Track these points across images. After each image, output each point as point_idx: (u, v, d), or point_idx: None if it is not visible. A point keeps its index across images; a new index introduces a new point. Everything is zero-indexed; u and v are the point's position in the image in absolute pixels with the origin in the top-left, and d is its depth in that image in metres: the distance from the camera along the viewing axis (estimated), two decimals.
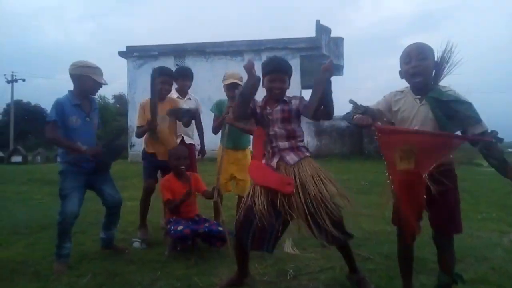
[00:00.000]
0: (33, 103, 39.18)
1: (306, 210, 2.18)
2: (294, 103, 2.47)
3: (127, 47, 15.04)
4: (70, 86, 3.05)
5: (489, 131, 2.01)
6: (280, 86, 2.46)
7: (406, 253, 2.28)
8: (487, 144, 1.98)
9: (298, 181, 2.26)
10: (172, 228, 3.15)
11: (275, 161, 2.39)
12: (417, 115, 2.11)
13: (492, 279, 2.56)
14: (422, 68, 2.08)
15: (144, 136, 3.71)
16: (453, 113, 2.02)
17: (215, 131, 3.72)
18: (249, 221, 2.28)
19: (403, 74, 2.19)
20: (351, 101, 2.24)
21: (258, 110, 2.50)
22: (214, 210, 3.80)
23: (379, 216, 4.37)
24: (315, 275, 2.69)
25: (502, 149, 2.04)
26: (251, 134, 3.57)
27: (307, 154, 2.43)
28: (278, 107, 2.46)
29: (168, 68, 3.81)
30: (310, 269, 2.79)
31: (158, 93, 3.58)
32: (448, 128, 2.03)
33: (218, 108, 3.79)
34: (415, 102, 2.13)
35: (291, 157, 2.37)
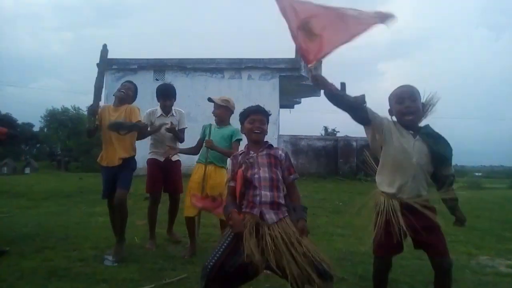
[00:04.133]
0: (3, 111, 37.88)
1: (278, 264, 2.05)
2: (280, 156, 2.39)
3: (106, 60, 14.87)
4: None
5: (452, 175, 2.31)
6: (260, 126, 2.42)
7: (382, 277, 2.38)
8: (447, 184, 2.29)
9: (273, 241, 2.09)
10: None
11: (255, 212, 2.24)
12: (414, 148, 2.26)
13: None
14: (414, 109, 2.28)
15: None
16: (436, 150, 2.25)
17: (195, 153, 3.82)
18: (228, 264, 2.14)
19: (393, 112, 2.35)
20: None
21: (239, 159, 2.40)
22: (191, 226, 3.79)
23: (353, 236, 4.46)
24: None
25: (456, 197, 2.34)
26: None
27: (286, 214, 2.27)
28: (264, 152, 2.39)
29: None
30: None
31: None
32: (436, 161, 2.27)
33: (204, 132, 3.81)
34: (410, 137, 2.29)
35: (270, 217, 2.21)
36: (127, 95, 3.78)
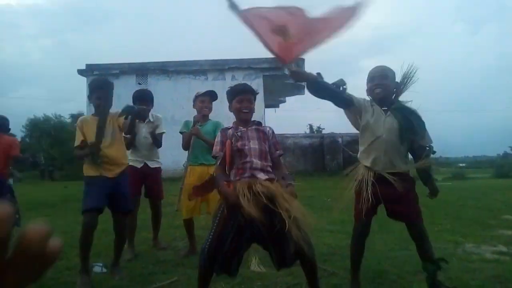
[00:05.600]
0: None
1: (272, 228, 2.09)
2: (268, 132, 2.50)
3: (87, 65, 14.64)
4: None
5: (431, 145, 2.46)
6: (248, 106, 2.50)
7: (359, 244, 2.55)
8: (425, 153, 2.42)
9: (265, 198, 2.13)
10: None
11: (246, 175, 2.30)
12: (384, 124, 2.43)
13: None
14: (383, 85, 2.46)
15: None
16: (410, 124, 2.39)
17: (185, 147, 3.78)
18: (223, 242, 2.16)
19: (368, 91, 2.54)
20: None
21: (228, 132, 2.46)
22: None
23: (342, 231, 4.50)
24: None
25: (431, 164, 2.48)
26: None
27: (276, 180, 2.35)
28: (253, 127, 2.49)
29: (105, 80, 3.48)
30: (277, 287, 2.80)
31: (106, 111, 3.16)
32: (407, 136, 2.40)
33: (187, 126, 3.81)
34: (381, 113, 2.45)
35: (261, 176, 2.30)
36: (109, 105, 3.23)
